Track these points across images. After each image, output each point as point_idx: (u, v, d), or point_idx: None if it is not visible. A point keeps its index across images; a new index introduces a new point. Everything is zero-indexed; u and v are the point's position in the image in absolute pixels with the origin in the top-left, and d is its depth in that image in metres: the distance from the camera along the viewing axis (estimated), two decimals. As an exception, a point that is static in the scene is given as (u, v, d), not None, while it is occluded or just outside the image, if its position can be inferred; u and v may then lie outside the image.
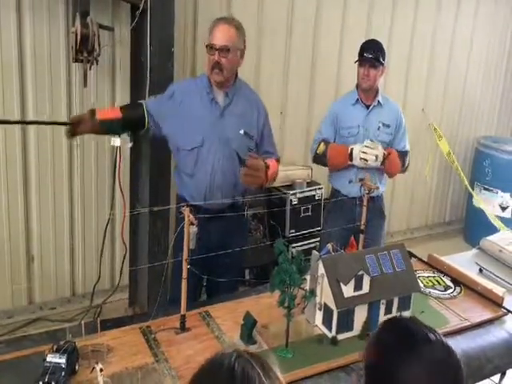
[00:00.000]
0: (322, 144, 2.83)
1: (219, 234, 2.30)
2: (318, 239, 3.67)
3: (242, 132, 2.29)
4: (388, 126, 2.88)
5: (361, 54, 2.79)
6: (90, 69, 2.62)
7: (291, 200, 3.66)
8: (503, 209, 4.63)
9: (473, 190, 4.75)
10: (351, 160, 2.74)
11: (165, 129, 2.30)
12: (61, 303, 3.29)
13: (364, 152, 2.69)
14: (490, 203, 4.63)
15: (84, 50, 2.55)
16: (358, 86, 2.88)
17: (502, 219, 4.47)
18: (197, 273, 1.86)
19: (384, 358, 1.01)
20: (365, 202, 2.17)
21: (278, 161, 2.44)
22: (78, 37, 2.52)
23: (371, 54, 2.75)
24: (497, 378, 2.35)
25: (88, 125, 2.17)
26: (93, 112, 2.17)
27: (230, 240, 2.30)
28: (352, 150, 2.74)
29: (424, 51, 4.52)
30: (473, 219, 4.87)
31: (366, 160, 2.69)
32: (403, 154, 2.90)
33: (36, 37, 2.87)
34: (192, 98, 2.26)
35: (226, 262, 2.21)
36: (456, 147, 4.94)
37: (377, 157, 2.69)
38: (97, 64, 2.64)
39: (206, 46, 2.20)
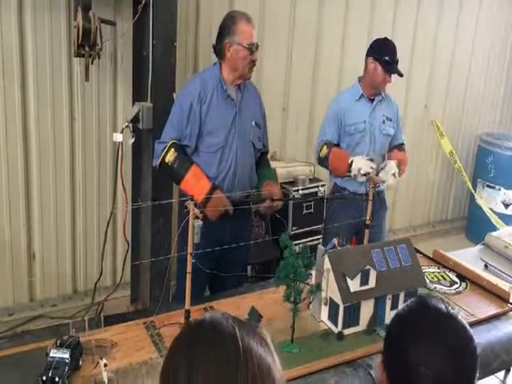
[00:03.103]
0: (325, 147, 2.77)
1: (231, 228, 2.29)
2: (321, 236, 3.65)
3: (253, 123, 2.35)
4: (390, 120, 2.88)
5: (387, 61, 2.71)
6: (92, 63, 2.60)
7: (293, 196, 3.63)
8: (506, 206, 4.61)
9: (475, 187, 4.73)
10: (349, 171, 2.66)
11: (196, 139, 2.29)
12: (62, 300, 3.27)
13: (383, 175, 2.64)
14: (492, 200, 4.61)
15: (86, 45, 2.53)
16: (360, 80, 2.86)
17: (505, 216, 4.45)
18: (202, 267, 1.84)
19: (402, 334, 1.02)
20: (370, 197, 2.15)
21: (267, 153, 2.56)
22: (80, 31, 2.50)
23: (396, 62, 2.73)
24: (501, 374, 2.33)
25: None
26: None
27: (240, 234, 2.31)
28: (352, 162, 2.66)
29: (426, 47, 4.50)
30: (475, 217, 4.85)
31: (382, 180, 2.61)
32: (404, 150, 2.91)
33: (37, 31, 2.85)
34: (209, 101, 2.25)
35: (235, 256, 2.21)
36: (459, 144, 4.93)
37: (394, 174, 2.66)
38: (98, 58, 2.62)
39: (247, 47, 2.21)
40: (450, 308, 1.03)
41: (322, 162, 2.84)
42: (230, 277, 2.21)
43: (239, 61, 2.23)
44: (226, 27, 2.26)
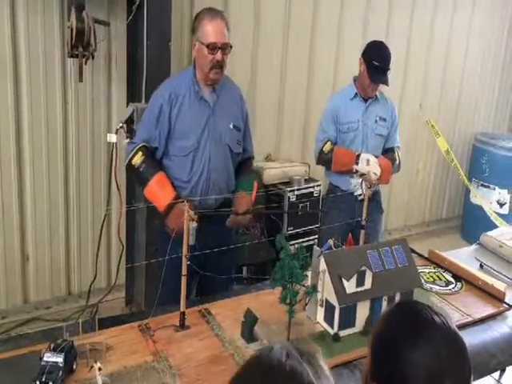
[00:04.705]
0: (329, 143, 2.81)
1: (214, 232, 2.19)
2: (316, 236, 3.65)
3: (231, 126, 2.25)
4: (384, 120, 2.88)
5: (376, 66, 2.69)
6: (86, 64, 2.59)
7: (289, 197, 3.63)
8: (501, 205, 4.63)
9: (470, 186, 4.75)
10: (357, 164, 2.71)
11: (165, 141, 2.22)
12: (56, 302, 3.25)
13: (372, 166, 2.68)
14: (487, 199, 4.62)
15: (79, 45, 2.53)
16: (355, 80, 2.87)
17: (500, 216, 4.47)
18: (196, 269, 1.82)
19: (389, 340, 1.00)
20: (366, 197, 2.15)
21: (252, 158, 2.46)
22: (74, 31, 2.49)
23: (385, 73, 2.70)
24: (496, 374, 2.33)
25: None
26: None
27: (224, 237, 2.22)
28: (359, 154, 2.72)
29: (421, 47, 4.51)
30: (470, 216, 4.87)
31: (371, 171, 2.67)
32: (393, 158, 2.89)
33: (30, 31, 2.83)
34: (180, 103, 2.17)
35: (220, 260, 2.14)
36: (453, 144, 4.94)
37: (368, 161, 2.70)
38: (92, 59, 2.61)
39: (207, 46, 2.09)
40: (438, 314, 1.01)
41: (324, 156, 2.83)
42: (218, 280, 2.15)
43: (202, 60, 2.13)
44: (193, 25, 2.18)
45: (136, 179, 2.31)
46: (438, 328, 0.97)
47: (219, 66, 2.12)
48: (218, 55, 2.10)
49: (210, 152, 2.19)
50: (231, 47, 2.15)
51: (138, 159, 2.15)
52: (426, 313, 1.00)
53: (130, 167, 2.20)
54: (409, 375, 0.94)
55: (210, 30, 2.09)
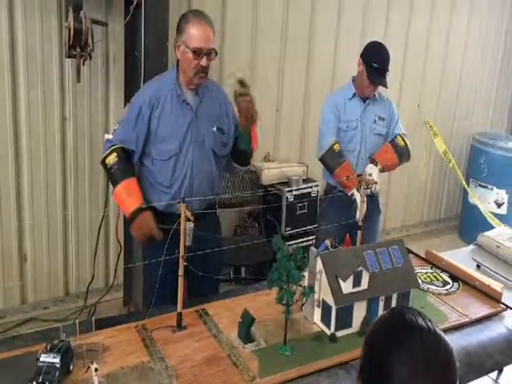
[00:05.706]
0: (338, 144, 2.77)
1: (197, 235, 2.01)
2: (314, 237, 3.65)
3: (214, 129, 2.19)
4: (383, 119, 2.89)
5: (375, 67, 2.69)
6: (84, 64, 2.59)
7: (287, 197, 3.64)
8: (499, 205, 4.63)
9: (468, 186, 4.75)
10: (358, 191, 2.60)
11: (142, 144, 2.16)
12: (54, 303, 3.25)
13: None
14: (485, 200, 4.63)
15: (77, 45, 2.54)
16: (353, 80, 2.88)
17: (498, 216, 4.47)
18: (194, 270, 1.82)
19: (375, 341, 1.02)
20: (363, 198, 2.15)
21: None
22: (71, 32, 2.50)
23: (384, 75, 2.70)
24: (494, 375, 2.33)
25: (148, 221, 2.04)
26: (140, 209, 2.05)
27: (208, 241, 2.14)
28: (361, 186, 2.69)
29: (419, 47, 4.52)
30: (468, 216, 4.87)
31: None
32: (397, 146, 2.88)
33: (28, 31, 2.83)
34: (162, 106, 2.12)
35: (207, 262, 2.04)
36: (451, 144, 4.95)
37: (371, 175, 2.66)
38: (90, 59, 2.62)
39: (193, 51, 2.04)
40: (427, 320, 1.01)
41: (336, 153, 2.76)
42: (204, 283, 2.12)
43: (186, 64, 2.08)
44: (179, 26, 2.12)
45: (107, 178, 2.27)
46: (422, 333, 0.97)
47: (204, 71, 2.09)
48: (203, 61, 2.05)
49: (192, 157, 2.15)
50: (216, 53, 2.11)
51: (111, 159, 2.10)
52: (411, 317, 1.00)
53: (103, 165, 2.16)
54: (390, 377, 0.95)
55: (196, 35, 2.04)
